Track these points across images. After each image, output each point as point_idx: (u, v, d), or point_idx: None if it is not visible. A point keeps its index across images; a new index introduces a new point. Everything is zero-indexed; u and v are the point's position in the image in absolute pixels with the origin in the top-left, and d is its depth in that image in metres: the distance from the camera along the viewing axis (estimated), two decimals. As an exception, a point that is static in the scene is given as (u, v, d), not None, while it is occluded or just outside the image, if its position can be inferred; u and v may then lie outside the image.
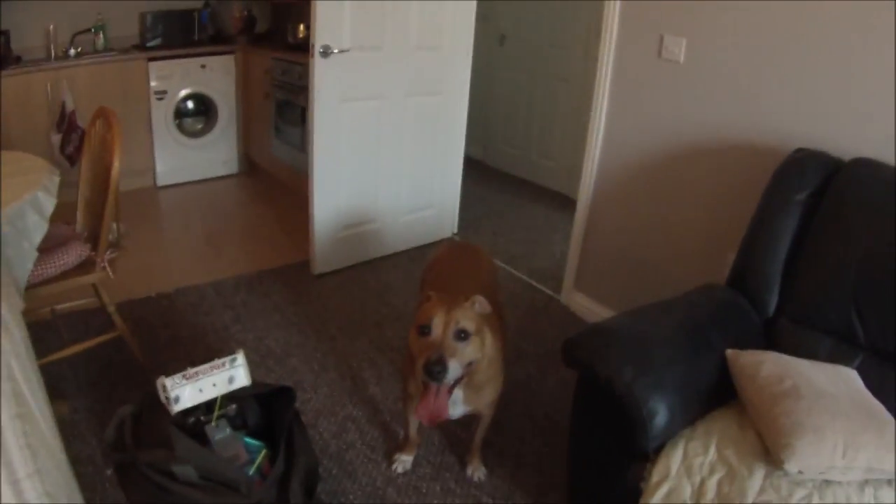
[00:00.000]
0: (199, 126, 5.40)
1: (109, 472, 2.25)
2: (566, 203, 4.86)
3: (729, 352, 1.78)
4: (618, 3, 2.98)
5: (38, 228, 2.16)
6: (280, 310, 3.37)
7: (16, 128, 4.33)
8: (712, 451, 1.58)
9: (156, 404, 1.91)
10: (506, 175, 5.88)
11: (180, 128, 5.25)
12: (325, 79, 3.41)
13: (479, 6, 4.02)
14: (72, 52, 4.72)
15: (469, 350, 1.82)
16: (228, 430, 1.94)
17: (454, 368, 1.74)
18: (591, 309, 3.38)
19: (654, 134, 2.94)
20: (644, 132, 2.99)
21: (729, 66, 2.58)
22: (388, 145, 3.85)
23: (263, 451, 1.92)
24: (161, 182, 5.29)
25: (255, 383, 2.09)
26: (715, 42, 2.61)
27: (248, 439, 1.96)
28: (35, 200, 2.18)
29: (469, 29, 3.99)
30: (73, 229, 2.72)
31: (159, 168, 5.25)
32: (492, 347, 1.97)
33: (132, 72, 4.92)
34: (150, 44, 5.16)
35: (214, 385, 1.95)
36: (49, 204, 2.23)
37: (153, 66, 4.97)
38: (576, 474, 2.02)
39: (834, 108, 2.27)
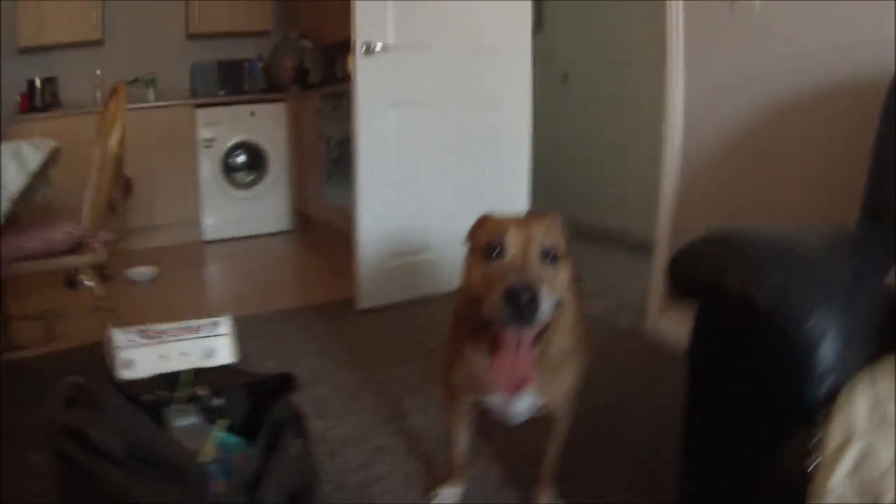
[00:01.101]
0: (250, 178, 5.13)
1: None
2: (645, 246, 4.27)
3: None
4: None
5: (13, 181, 2.04)
6: (314, 341, 2.88)
7: (60, 170, 4.14)
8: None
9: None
10: (576, 223, 5.31)
11: (230, 180, 4.98)
12: (368, 79, 3.06)
13: (540, 48, 3.64)
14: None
15: (560, 279, 1.27)
16: (196, 419, 1.43)
17: (546, 301, 1.17)
18: (682, 331, 2.72)
19: (737, 105, 2.47)
20: (726, 105, 2.52)
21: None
22: (441, 161, 3.41)
23: (237, 447, 1.40)
24: (208, 236, 5.03)
25: (248, 372, 1.62)
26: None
27: (224, 435, 1.43)
28: (17, 149, 2.09)
29: (527, 31, 3.56)
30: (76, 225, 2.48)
31: (206, 221, 5.00)
32: (572, 308, 1.41)
33: (180, 118, 4.77)
34: (199, 94, 4.98)
35: (185, 354, 1.50)
36: (34, 158, 2.16)
37: (201, 112, 4.80)
38: (695, 472, 1.36)
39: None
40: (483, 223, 1.39)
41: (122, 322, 2.34)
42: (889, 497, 0.87)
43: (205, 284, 4.21)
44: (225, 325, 1.57)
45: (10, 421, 2.17)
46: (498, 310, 1.17)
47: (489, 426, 2.09)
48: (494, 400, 1.50)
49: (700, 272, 1.19)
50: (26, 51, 4.64)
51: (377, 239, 3.24)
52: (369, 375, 2.52)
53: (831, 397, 1.01)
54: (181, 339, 1.55)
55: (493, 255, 1.26)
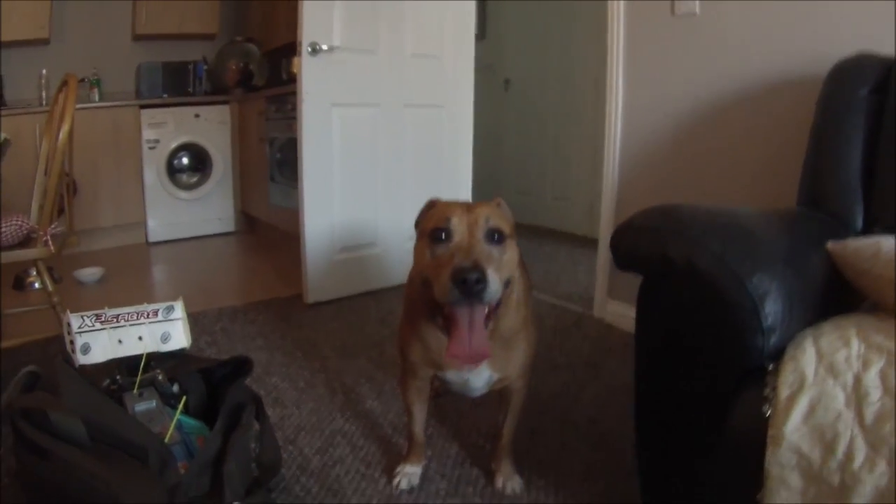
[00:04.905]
0: (194, 180, 5.09)
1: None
2: (587, 243, 4.40)
3: (832, 244, 1.27)
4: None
5: None
6: (264, 335, 2.89)
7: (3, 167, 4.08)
8: (855, 342, 1.04)
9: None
10: (521, 224, 5.41)
11: (174, 181, 4.94)
12: (314, 79, 3.09)
13: (482, 56, 3.73)
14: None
15: (507, 258, 1.33)
16: (154, 403, 1.46)
17: (494, 280, 1.22)
18: (628, 316, 2.84)
19: (677, 105, 2.61)
20: (667, 104, 2.65)
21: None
22: (386, 160, 3.47)
23: (202, 433, 1.43)
24: (153, 238, 4.97)
25: (201, 357, 1.64)
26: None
27: (184, 417, 1.46)
28: None
29: (469, 37, 3.67)
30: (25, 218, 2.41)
31: (151, 223, 4.94)
32: (520, 286, 1.49)
33: (125, 119, 4.71)
34: (144, 95, 4.93)
35: (141, 339, 1.51)
36: None
37: (146, 113, 4.75)
38: (651, 439, 1.43)
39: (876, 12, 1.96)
40: (430, 208, 1.45)
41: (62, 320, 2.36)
42: (843, 440, 0.94)
43: (152, 284, 4.15)
44: (179, 310, 1.58)
45: None
46: (447, 291, 1.21)
47: (445, 406, 2.17)
48: (452, 375, 1.56)
49: (642, 244, 1.25)
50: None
51: (323, 234, 3.28)
52: (321, 366, 2.56)
53: (777, 354, 1.09)
54: (137, 324, 1.55)
55: (441, 238, 1.30)
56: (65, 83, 2.37)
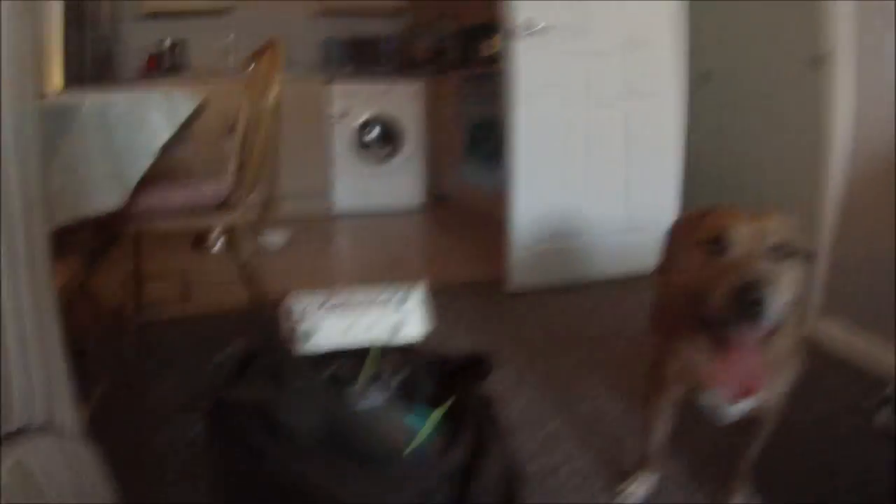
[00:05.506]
0: (383, 153, 5.11)
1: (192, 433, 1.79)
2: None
3: None
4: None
5: (163, 128, 1.85)
6: (465, 321, 2.81)
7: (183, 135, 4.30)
8: None
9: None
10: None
11: (362, 154, 4.99)
12: (524, 60, 2.98)
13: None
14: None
15: (792, 278, 1.14)
16: (382, 399, 1.34)
17: (776, 301, 1.06)
18: (847, 340, 2.52)
19: None
20: None
21: None
22: (594, 149, 3.28)
23: (432, 440, 1.27)
24: (338, 209, 5.04)
25: (429, 350, 1.53)
26: None
27: (413, 418, 1.34)
28: (167, 97, 1.95)
29: (681, 23, 3.41)
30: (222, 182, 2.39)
31: (337, 194, 5.01)
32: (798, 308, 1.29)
33: (312, 91, 4.78)
34: (331, 69, 5.02)
35: (371, 327, 1.39)
36: (185, 108, 2.02)
37: (335, 88, 4.80)
38: None
39: None
40: (705, 215, 1.28)
41: (258, 289, 2.33)
42: None
43: (336, 255, 4.18)
44: (417, 295, 1.47)
45: (146, 385, 2.18)
46: (725, 308, 1.08)
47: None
48: (707, 398, 1.39)
49: None
50: (152, 16, 4.76)
51: (530, 221, 3.16)
52: (529, 361, 2.43)
53: None
54: (369, 310, 1.44)
55: (719, 248, 1.16)
56: (269, 46, 2.32)
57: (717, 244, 1.16)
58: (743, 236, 1.15)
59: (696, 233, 1.23)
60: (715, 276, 1.13)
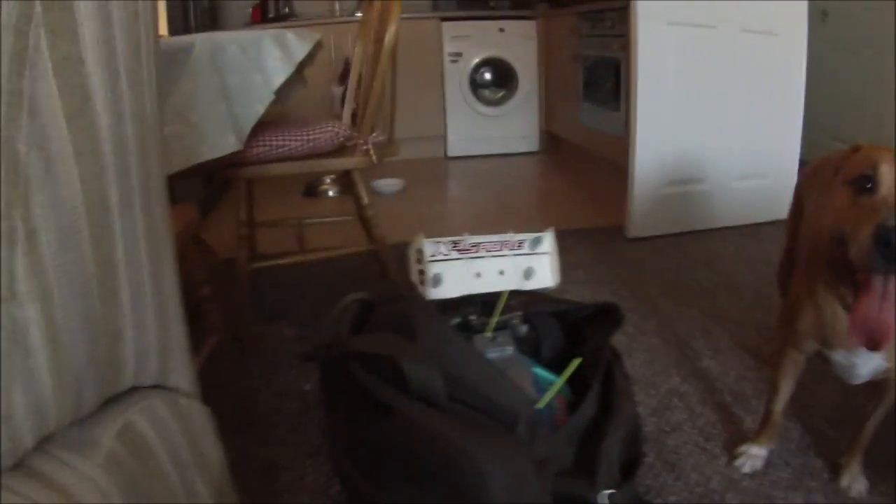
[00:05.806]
0: (498, 95, 5.03)
1: (307, 386, 1.79)
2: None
3: None
4: None
5: (278, 69, 1.82)
6: (584, 267, 2.78)
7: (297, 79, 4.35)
8: None
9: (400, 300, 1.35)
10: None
11: (477, 96, 4.92)
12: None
13: None
14: (358, 15, 4.62)
15: None
16: (510, 350, 1.33)
17: None
18: None
19: None
20: None
21: None
22: (718, 89, 3.12)
23: (561, 389, 1.25)
24: (452, 152, 5.04)
25: (556, 297, 1.51)
26: None
27: (541, 371, 1.35)
28: (280, 37, 1.88)
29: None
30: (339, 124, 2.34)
31: (451, 137, 5.00)
32: None
33: (424, 32, 4.73)
34: (443, 8, 4.94)
35: (502, 273, 1.38)
36: (299, 49, 1.93)
37: (447, 26, 4.73)
38: None
39: None
40: (853, 151, 1.20)
41: (377, 234, 2.32)
42: None
43: (453, 200, 4.19)
44: (548, 242, 1.45)
45: (259, 336, 2.19)
46: (865, 251, 1.02)
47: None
48: (840, 356, 1.32)
49: None
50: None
51: (652, 165, 3.06)
52: (650, 310, 2.39)
53: None
54: (500, 256, 1.43)
55: (866, 187, 1.08)
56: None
57: (865, 181, 1.09)
58: (892, 174, 1.07)
59: (841, 170, 1.16)
60: (862, 215, 1.06)
